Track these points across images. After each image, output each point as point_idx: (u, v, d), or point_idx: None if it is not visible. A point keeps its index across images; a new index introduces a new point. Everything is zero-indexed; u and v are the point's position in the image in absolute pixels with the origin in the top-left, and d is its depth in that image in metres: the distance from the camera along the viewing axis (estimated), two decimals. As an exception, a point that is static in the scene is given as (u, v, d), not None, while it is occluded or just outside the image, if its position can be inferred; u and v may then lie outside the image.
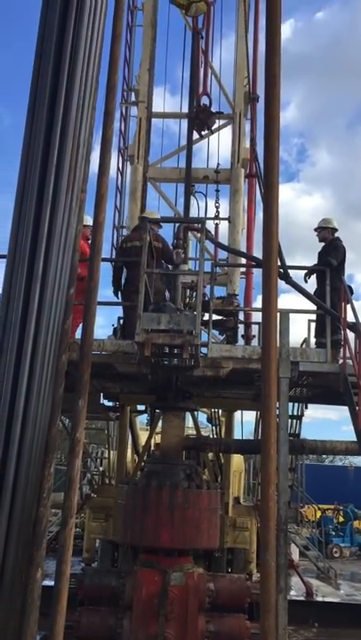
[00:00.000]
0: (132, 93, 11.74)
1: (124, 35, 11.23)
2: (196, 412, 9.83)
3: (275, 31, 3.55)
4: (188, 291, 9.24)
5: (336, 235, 9.06)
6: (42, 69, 4.64)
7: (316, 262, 8.90)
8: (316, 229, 9.22)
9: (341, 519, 23.77)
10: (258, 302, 9.92)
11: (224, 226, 11.14)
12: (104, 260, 6.69)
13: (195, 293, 8.45)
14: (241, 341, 9.55)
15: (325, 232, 9.05)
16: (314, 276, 8.78)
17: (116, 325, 9.43)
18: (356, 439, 7.61)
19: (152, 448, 11.22)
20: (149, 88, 11.37)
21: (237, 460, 13.30)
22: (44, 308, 4.10)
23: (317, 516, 22.24)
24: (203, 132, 10.24)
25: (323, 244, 9.02)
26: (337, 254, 8.61)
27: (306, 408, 10.22)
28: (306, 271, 8.76)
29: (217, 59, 11.59)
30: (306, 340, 8.79)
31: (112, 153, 6.38)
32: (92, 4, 4.81)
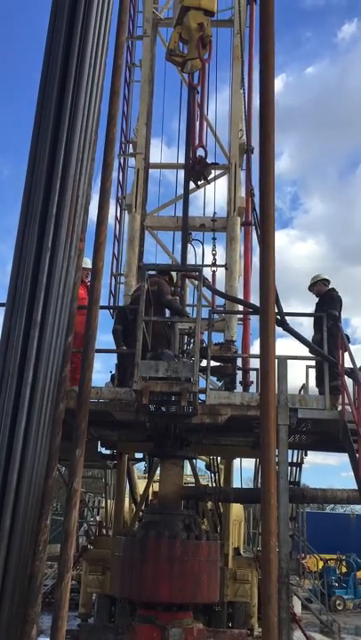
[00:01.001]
0: (130, 145, 12.04)
1: (123, 90, 11.58)
2: (194, 460, 9.71)
3: (268, 88, 3.68)
4: (186, 337, 9.26)
5: (330, 285, 9.20)
6: (42, 122, 4.78)
7: (313, 311, 9.03)
8: (309, 288, 9.41)
9: (344, 569, 23.16)
10: (256, 347, 9.96)
11: (221, 273, 11.26)
12: (102, 307, 6.73)
13: (193, 340, 8.47)
14: (239, 388, 9.51)
15: (319, 286, 9.27)
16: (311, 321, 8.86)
17: (113, 372, 9.40)
18: (357, 487, 7.51)
19: (150, 497, 11.03)
20: (147, 140, 11.67)
21: (237, 509, 13.06)
22: (42, 356, 4.11)
23: (319, 567, 21.70)
24: (199, 183, 10.45)
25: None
26: (335, 304, 8.82)
27: (305, 455, 10.11)
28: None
29: (213, 111, 11.95)
30: (304, 387, 8.77)
31: (110, 202, 6.48)
32: (92, 61, 4.99)
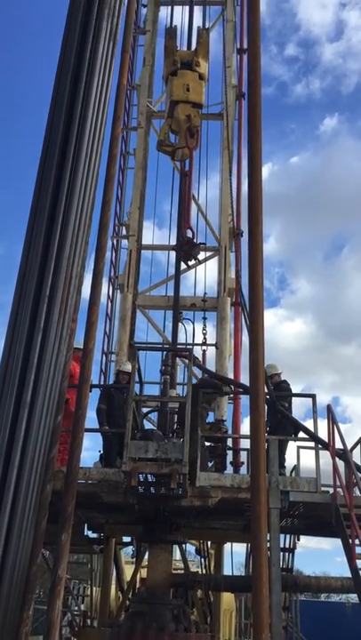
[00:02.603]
0: (123, 228, 12.40)
1: (117, 176, 12.06)
2: (184, 544, 9.41)
3: (256, 179, 3.86)
4: (176, 416, 9.19)
5: (282, 377, 9.65)
6: (39, 205, 4.96)
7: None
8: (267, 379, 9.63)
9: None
10: (246, 425, 9.88)
11: (212, 352, 11.32)
12: (93, 386, 6.73)
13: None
14: (230, 468, 9.37)
15: (274, 377, 9.57)
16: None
17: (102, 451, 9.25)
18: (351, 575, 7.27)
19: (137, 584, 10.59)
20: (139, 223, 12.04)
21: (228, 598, 12.55)
22: (30, 436, 4.07)
23: (315, 661, 20.54)
24: (189, 263, 10.70)
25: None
26: (285, 398, 9.13)
27: (298, 540, 9.83)
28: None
29: (203, 196, 12.41)
30: (296, 468, 8.64)
31: (103, 282, 6.61)
32: (88, 150, 5.24)
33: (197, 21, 10.32)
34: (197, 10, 11.25)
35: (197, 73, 8.95)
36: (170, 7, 11.68)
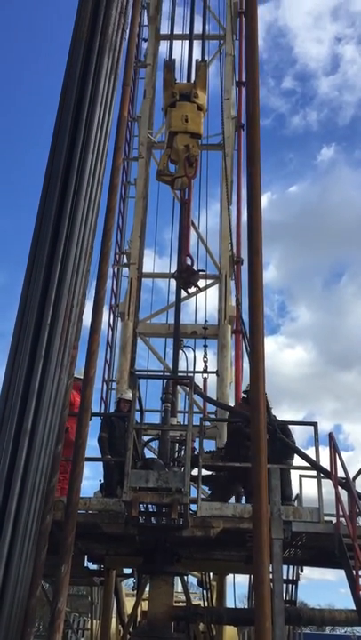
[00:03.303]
0: (124, 256, 12.48)
1: (118, 205, 12.18)
2: (185, 576, 9.25)
3: (256, 208, 3.91)
4: (177, 445, 9.12)
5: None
6: (41, 234, 5.01)
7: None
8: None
9: None
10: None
11: (212, 379, 11.30)
12: (93, 414, 6.70)
13: (183, 447, 8.34)
14: (231, 498, 9.25)
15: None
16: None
17: (103, 480, 9.16)
18: (355, 607, 7.13)
19: (138, 617, 10.39)
20: (140, 251, 12.13)
21: (231, 632, 12.27)
22: (31, 464, 4.05)
23: None
24: (189, 290, 10.73)
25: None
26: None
27: (301, 571, 9.67)
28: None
29: (203, 224, 12.52)
30: (298, 497, 8.54)
31: (104, 310, 6.63)
32: (90, 181, 5.31)
33: (197, 55, 10.53)
34: (197, 44, 11.50)
35: (196, 104, 9.10)
36: (170, 41, 11.92)
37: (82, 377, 8.46)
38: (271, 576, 7.02)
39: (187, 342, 11.27)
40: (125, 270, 12.42)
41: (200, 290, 11.64)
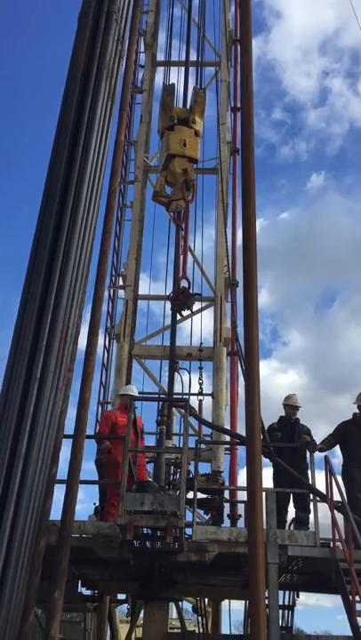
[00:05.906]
0: (120, 278, 12.51)
1: (115, 228, 12.24)
2: (180, 602, 9.13)
3: (250, 236, 3.95)
4: (173, 467, 9.06)
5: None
6: (37, 257, 5.03)
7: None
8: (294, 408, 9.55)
9: None
10: (243, 476, 9.74)
11: (208, 401, 11.26)
12: (88, 437, 6.67)
13: (179, 470, 8.29)
14: (227, 521, 9.18)
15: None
16: None
17: (97, 504, 9.08)
18: (351, 634, 7.03)
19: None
20: (136, 274, 12.17)
21: (226, 659, 12.06)
22: (25, 488, 4.01)
23: None
24: (184, 312, 10.75)
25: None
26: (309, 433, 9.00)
27: (298, 597, 9.55)
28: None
29: (199, 247, 12.60)
30: (294, 521, 8.48)
31: (99, 332, 6.65)
32: (87, 202, 5.35)
33: (192, 81, 10.72)
34: (192, 71, 11.70)
35: (193, 129, 9.22)
36: (166, 68, 12.10)
37: (126, 393, 8.60)
38: (267, 602, 6.94)
39: (182, 364, 11.27)
40: (121, 292, 12.46)
41: (194, 313, 11.66)
